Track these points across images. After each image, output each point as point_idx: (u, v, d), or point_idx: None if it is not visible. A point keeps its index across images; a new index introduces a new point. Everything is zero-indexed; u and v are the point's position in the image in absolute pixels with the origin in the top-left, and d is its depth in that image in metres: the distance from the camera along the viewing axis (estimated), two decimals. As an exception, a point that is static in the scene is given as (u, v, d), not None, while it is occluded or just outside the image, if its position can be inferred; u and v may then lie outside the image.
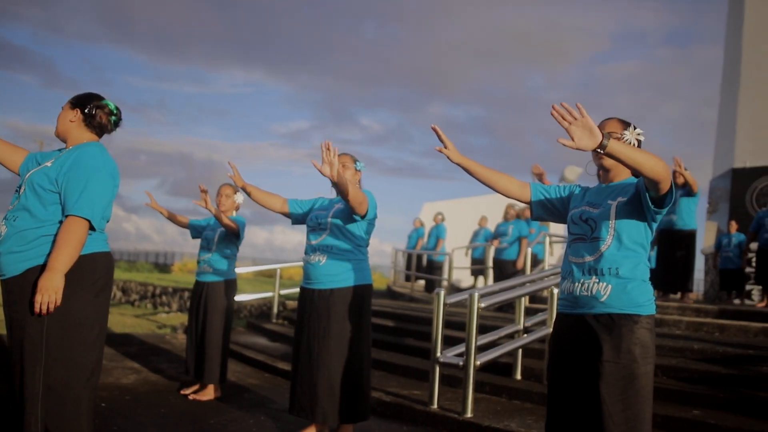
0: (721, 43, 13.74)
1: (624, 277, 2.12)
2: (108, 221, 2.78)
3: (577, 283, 2.18)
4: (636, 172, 1.99)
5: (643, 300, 2.12)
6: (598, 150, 1.90)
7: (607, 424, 2.02)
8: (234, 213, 4.64)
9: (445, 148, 2.36)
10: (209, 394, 4.41)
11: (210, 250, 4.55)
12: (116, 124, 2.81)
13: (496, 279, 8.57)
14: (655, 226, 2.20)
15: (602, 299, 2.12)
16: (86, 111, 2.72)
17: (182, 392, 4.51)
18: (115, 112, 2.79)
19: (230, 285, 4.57)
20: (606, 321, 2.11)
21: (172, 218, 4.75)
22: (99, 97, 2.78)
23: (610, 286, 2.12)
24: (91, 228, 2.53)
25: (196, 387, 4.54)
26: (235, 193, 4.56)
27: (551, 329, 4.56)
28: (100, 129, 2.78)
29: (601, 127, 2.25)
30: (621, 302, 2.10)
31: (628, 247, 2.15)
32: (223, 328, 4.49)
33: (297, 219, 3.59)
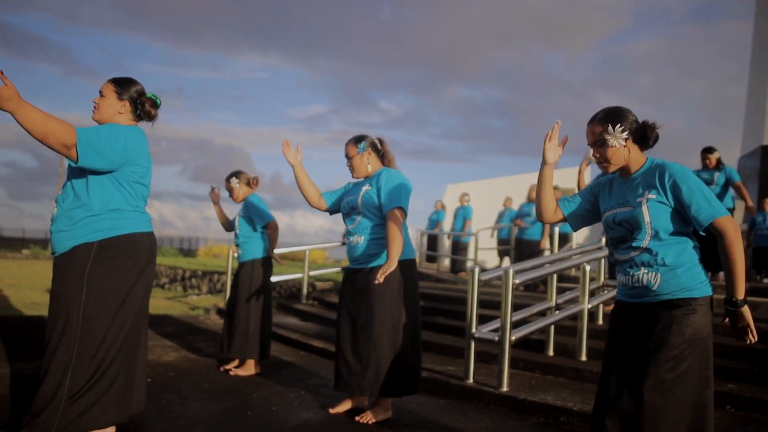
0: (750, 18, 13.46)
1: (671, 264, 2.14)
2: (146, 202, 2.90)
3: (628, 276, 2.23)
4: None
5: (694, 283, 2.14)
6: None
7: (653, 401, 2.05)
8: (250, 192, 4.73)
9: (558, 142, 2.39)
10: (249, 369, 4.54)
11: (237, 233, 4.69)
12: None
13: (518, 259, 8.60)
14: None
15: (654, 288, 2.15)
16: (136, 105, 2.86)
17: (223, 368, 4.65)
18: (159, 103, 2.92)
19: (263, 263, 4.65)
20: (661, 307, 2.14)
21: (220, 215, 4.95)
22: (141, 86, 2.90)
23: (659, 275, 2.15)
24: (76, 158, 2.52)
25: (236, 362, 4.69)
26: (230, 181, 4.70)
27: (584, 306, 4.63)
28: (147, 118, 2.93)
29: (588, 131, 2.27)
30: (672, 288, 2.13)
31: (670, 238, 2.17)
32: (261, 306, 4.60)
33: (333, 210, 3.68)
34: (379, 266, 3.35)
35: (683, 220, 2.19)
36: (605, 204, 2.36)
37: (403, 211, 3.37)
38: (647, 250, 2.17)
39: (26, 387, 3.67)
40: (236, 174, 4.74)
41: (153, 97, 2.91)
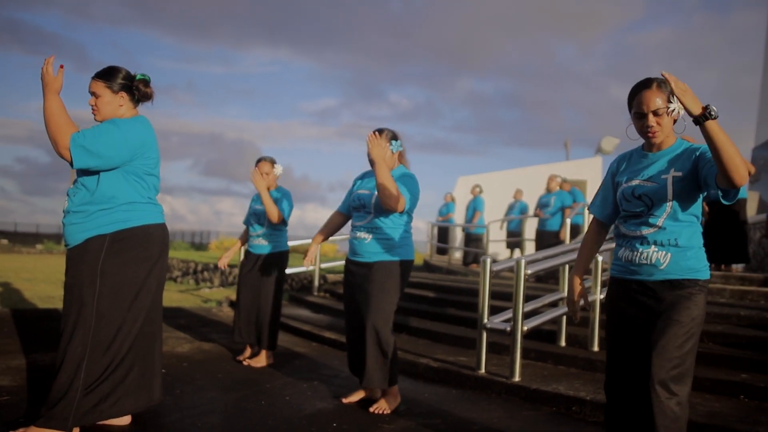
0: (764, 7, 13.29)
1: (683, 245, 2.16)
2: (158, 191, 2.91)
3: (636, 252, 2.22)
4: (717, 162, 1.92)
5: (700, 266, 2.18)
6: (700, 118, 1.85)
7: (663, 365, 2.08)
8: (276, 185, 4.74)
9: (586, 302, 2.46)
10: (262, 360, 4.57)
11: (262, 224, 4.67)
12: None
13: (538, 250, 8.58)
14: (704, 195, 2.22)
15: (662, 267, 2.16)
16: (132, 91, 2.85)
17: (238, 358, 4.69)
18: (149, 79, 2.90)
19: (283, 256, 4.70)
20: (666, 285, 2.16)
21: (239, 244, 5.07)
22: (126, 70, 2.85)
23: (669, 255, 2.16)
24: (70, 159, 2.56)
25: (249, 353, 4.73)
26: (273, 166, 4.68)
27: (596, 296, 4.62)
28: (146, 99, 2.92)
29: (646, 97, 2.14)
30: (680, 269, 2.15)
31: (685, 219, 2.18)
32: (276, 297, 4.64)
33: (349, 213, 3.74)
34: (379, 262, 3.41)
35: (698, 202, 2.19)
36: (624, 175, 2.30)
37: (405, 208, 3.40)
38: (662, 228, 2.17)
39: (42, 378, 3.72)
40: (274, 161, 4.72)
41: (142, 77, 2.86)
